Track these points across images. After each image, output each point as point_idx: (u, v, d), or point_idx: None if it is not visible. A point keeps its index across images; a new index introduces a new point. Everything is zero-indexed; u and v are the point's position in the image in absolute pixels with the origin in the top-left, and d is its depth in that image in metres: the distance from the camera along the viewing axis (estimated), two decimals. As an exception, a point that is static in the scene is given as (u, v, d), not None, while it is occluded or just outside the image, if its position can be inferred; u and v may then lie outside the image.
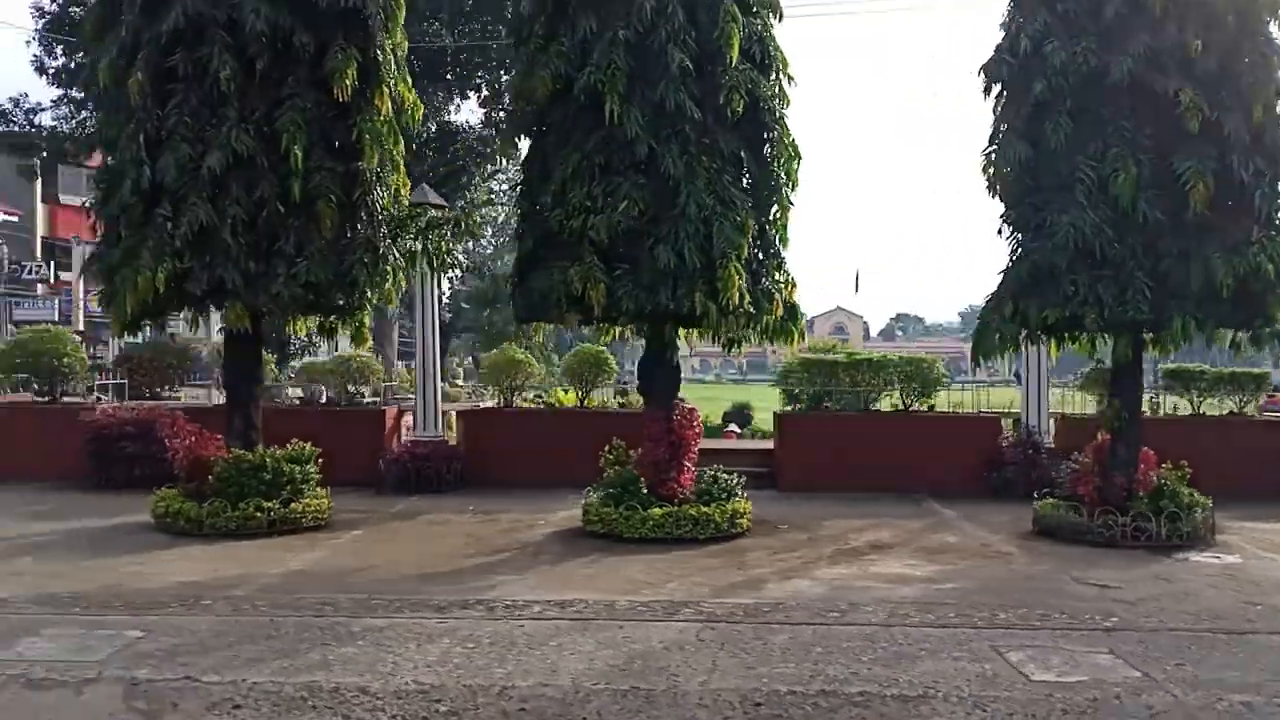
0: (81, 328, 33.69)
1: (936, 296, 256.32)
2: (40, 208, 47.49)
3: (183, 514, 9.87)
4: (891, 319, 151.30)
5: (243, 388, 10.59)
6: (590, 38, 9.50)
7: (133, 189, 9.24)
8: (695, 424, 10.45)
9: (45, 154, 26.46)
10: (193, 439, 10.41)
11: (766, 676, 5.59)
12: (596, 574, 8.40)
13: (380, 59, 10.01)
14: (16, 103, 26.06)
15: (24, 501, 12.06)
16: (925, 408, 14.04)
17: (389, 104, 10.06)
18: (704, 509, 9.86)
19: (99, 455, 13.20)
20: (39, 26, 24.41)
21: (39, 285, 45.24)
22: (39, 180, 42.67)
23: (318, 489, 10.58)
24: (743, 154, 10.01)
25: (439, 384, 13.83)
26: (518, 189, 10.96)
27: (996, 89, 10.44)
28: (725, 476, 10.45)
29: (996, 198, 10.80)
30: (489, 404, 15.66)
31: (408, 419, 14.55)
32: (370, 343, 11.34)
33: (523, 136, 10.83)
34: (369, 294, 10.19)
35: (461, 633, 6.41)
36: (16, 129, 26.34)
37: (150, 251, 9.15)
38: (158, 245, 9.16)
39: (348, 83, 9.50)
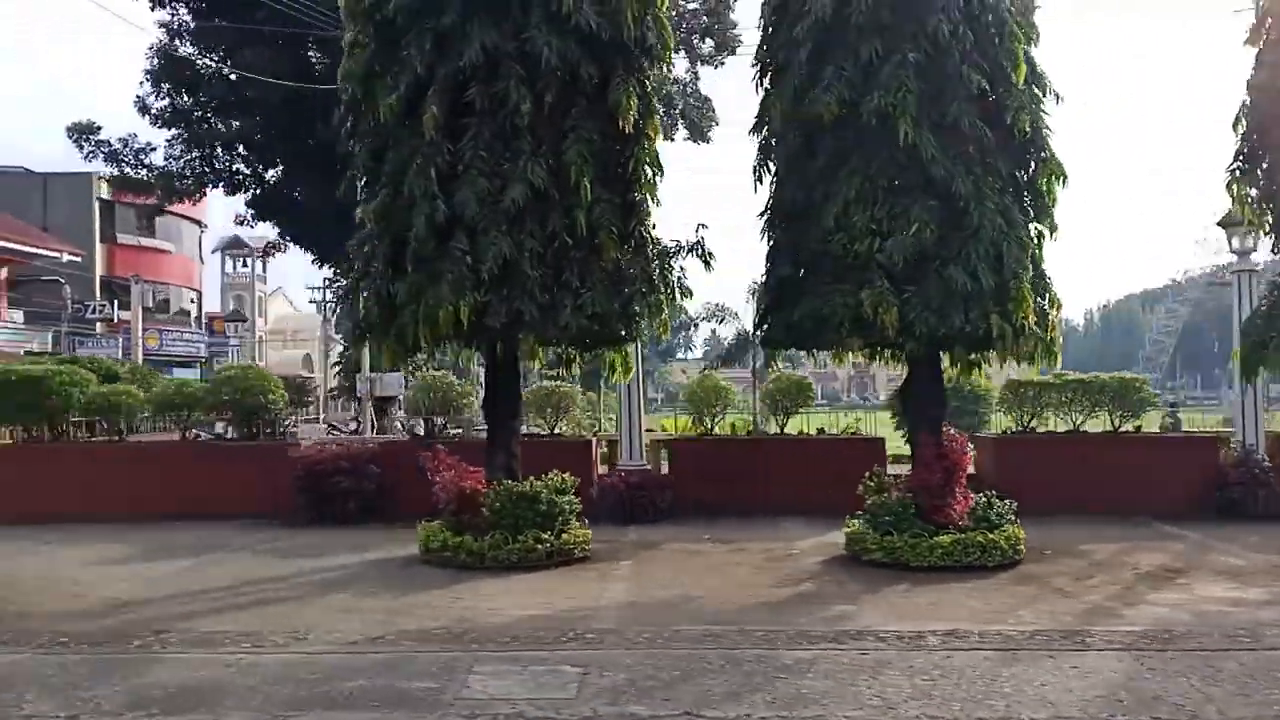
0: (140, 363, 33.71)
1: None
2: (99, 248, 48.21)
3: (463, 547, 9.78)
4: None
5: (505, 420, 10.56)
6: (875, 61, 9.48)
7: (427, 223, 9.23)
8: (967, 448, 10.32)
9: (159, 194, 26.75)
10: (452, 472, 10.39)
11: (1276, 704, 5.44)
12: (930, 603, 8.23)
13: (652, 89, 10.04)
14: (126, 143, 26.36)
15: (253, 540, 11.96)
16: (1133, 429, 13.87)
17: (661, 134, 10.08)
18: (989, 535, 9.70)
19: (310, 491, 13.12)
20: (151, 66, 24.69)
21: (99, 324, 45.87)
22: (95, 217, 43.47)
23: (575, 520, 10.51)
24: (1016, 174, 9.98)
25: (643, 413, 13.76)
26: (764, 216, 10.91)
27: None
28: (999, 502, 10.29)
29: (1253, 215, 10.76)
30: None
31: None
32: (634, 372, 11.28)
33: (772, 162, 10.80)
34: (644, 324, 10.16)
35: (898, 665, 6.28)
36: (128, 169, 26.74)
37: (450, 285, 9.12)
38: (457, 279, 9.13)
39: (631, 114, 9.51)
